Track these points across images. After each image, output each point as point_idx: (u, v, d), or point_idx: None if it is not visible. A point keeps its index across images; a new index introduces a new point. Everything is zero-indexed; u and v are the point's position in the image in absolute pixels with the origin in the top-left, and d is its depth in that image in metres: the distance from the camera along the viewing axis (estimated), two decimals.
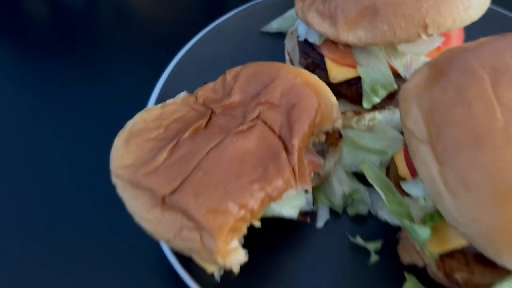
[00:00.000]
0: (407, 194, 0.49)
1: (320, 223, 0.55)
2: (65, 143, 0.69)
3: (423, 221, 0.45)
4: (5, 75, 0.84)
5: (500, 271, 0.48)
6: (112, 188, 0.47)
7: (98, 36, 0.89)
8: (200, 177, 0.45)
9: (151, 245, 0.53)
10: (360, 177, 0.57)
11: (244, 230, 0.45)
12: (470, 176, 0.39)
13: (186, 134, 0.48)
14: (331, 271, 0.52)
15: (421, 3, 0.50)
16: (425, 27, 0.51)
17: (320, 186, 0.56)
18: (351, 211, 0.56)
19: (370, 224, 0.55)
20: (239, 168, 0.46)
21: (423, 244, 0.47)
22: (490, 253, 0.40)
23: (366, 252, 0.52)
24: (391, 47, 0.56)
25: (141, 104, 0.61)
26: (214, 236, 0.43)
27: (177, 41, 0.77)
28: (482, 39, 0.47)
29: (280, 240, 0.54)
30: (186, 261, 0.50)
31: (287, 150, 0.48)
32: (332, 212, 0.56)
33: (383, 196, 0.46)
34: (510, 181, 0.38)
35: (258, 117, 0.50)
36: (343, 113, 0.60)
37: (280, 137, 0.49)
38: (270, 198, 0.46)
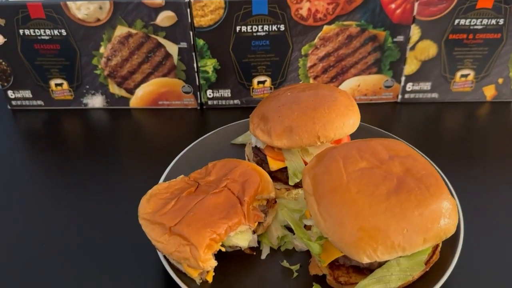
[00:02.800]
0: (309, 228, 0.83)
1: (263, 256, 0.85)
2: (89, 217, 0.97)
3: (316, 241, 0.78)
4: (46, 172, 1.13)
5: (364, 274, 0.79)
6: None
7: (116, 144, 1.21)
8: (191, 216, 0.77)
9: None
10: (288, 228, 0.91)
11: (215, 247, 0.77)
12: (330, 209, 0.71)
13: (184, 194, 0.82)
14: (269, 283, 0.81)
15: (315, 125, 0.86)
16: (319, 138, 0.87)
17: (263, 233, 0.89)
18: (282, 248, 0.86)
19: (294, 255, 0.85)
20: (213, 211, 0.78)
21: (319, 257, 0.79)
22: (345, 252, 0.71)
23: (290, 271, 0.82)
24: (303, 149, 0.94)
25: None
26: (198, 249, 0.73)
27: (173, 147, 1.08)
28: (345, 142, 0.86)
29: (238, 267, 0.83)
30: (176, 271, 0.79)
31: (241, 203, 0.80)
32: (271, 249, 0.86)
33: (293, 227, 0.79)
34: (349, 210, 0.70)
35: (225, 186, 0.84)
36: (279, 189, 0.96)
37: (237, 197, 0.82)
38: (230, 229, 0.77)
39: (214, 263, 0.76)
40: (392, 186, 0.72)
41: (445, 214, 0.72)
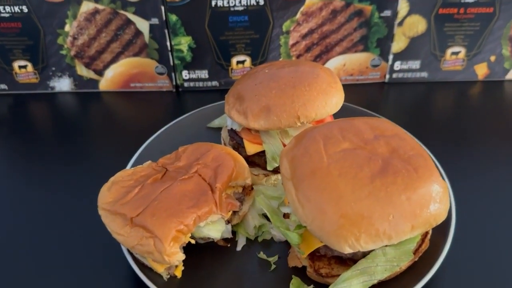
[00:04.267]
0: (288, 217, 0.76)
1: (239, 247, 0.78)
2: (58, 203, 0.91)
3: (295, 230, 0.71)
4: (10, 160, 1.05)
5: (347, 265, 0.73)
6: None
7: (86, 129, 1.13)
8: (155, 205, 0.70)
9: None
10: (266, 216, 0.83)
11: (183, 240, 0.70)
12: (309, 194, 0.64)
13: (148, 181, 0.75)
14: (245, 277, 0.74)
15: (294, 104, 0.79)
16: (298, 118, 0.81)
17: (239, 223, 0.82)
18: (260, 238, 0.79)
19: (272, 246, 0.78)
20: (181, 200, 0.71)
21: (298, 247, 0.72)
22: (326, 241, 0.65)
23: (268, 263, 0.76)
24: (282, 131, 0.87)
25: None
26: (162, 241, 0.66)
27: (146, 133, 1.00)
28: (327, 121, 0.78)
29: (211, 260, 0.76)
30: (141, 266, 0.72)
31: (212, 190, 0.74)
32: (248, 240, 0.79)
33: (269, 215, 0.72)
34: (330, 195, 0.64)
35: (195, 172, 0.77)
36: (257, 175, 0.88)
37: (209, 183, 0.75)
38: (200, 219, 0.70)
39: (181, 256, 0.69)
40: (377, 168, 0.65)
41: (435, 198, 0.65)
